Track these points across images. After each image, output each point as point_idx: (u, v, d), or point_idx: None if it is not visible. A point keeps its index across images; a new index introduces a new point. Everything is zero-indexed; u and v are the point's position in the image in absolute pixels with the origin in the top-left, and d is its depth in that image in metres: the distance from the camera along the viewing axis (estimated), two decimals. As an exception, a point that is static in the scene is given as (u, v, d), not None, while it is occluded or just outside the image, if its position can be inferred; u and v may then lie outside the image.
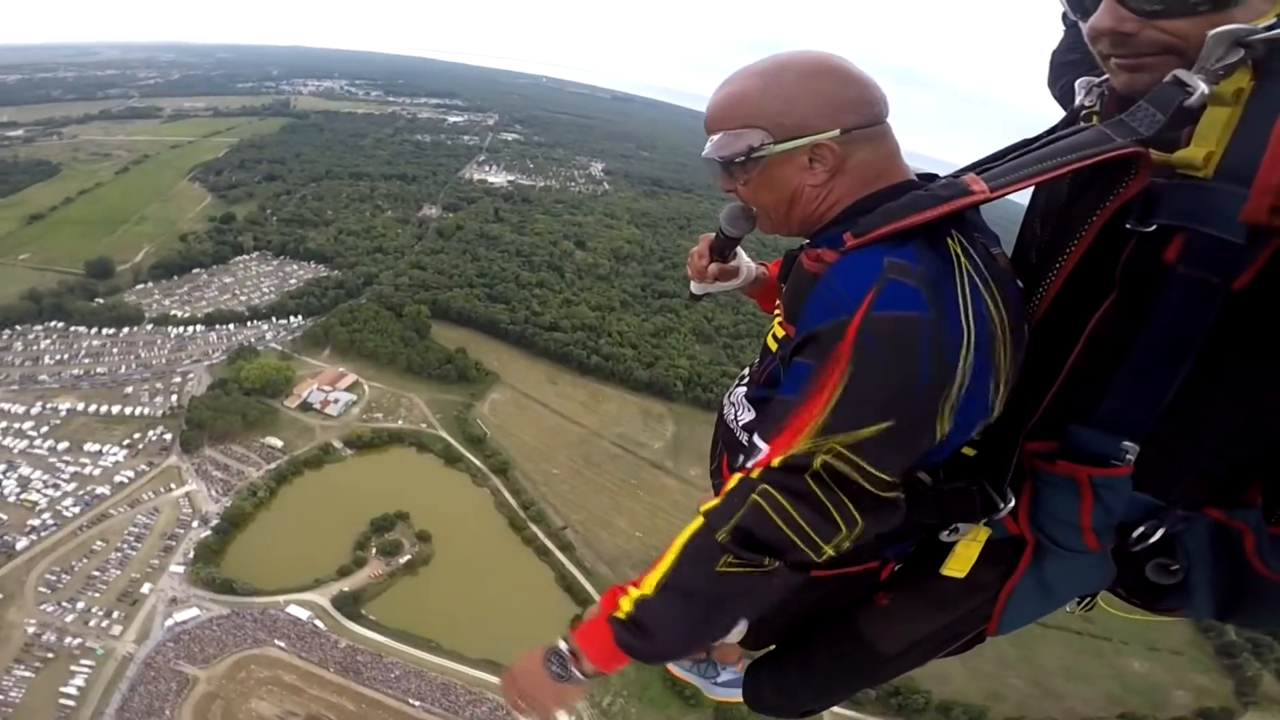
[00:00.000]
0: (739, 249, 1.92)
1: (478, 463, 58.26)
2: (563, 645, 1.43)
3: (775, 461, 1.21)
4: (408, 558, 48.00)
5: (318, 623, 43.08)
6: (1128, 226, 1.13)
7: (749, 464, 1.26)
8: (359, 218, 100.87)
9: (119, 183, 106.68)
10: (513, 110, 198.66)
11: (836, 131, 1.31)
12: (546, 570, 48.26)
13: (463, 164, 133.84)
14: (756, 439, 1.28)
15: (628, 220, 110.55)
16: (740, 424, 1.61)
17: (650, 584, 1.33)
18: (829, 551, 1.21)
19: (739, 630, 1.62)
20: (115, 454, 56.20)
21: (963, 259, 1.17)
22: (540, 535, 50.95)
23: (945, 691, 39.34)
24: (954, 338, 1.11)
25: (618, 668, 1.40)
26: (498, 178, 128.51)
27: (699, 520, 1.29)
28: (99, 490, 52.22)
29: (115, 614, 42.89)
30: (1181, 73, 1.05)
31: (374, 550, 48.22)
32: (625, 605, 1.35)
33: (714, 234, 1.85)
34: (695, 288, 2.05)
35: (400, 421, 62.73)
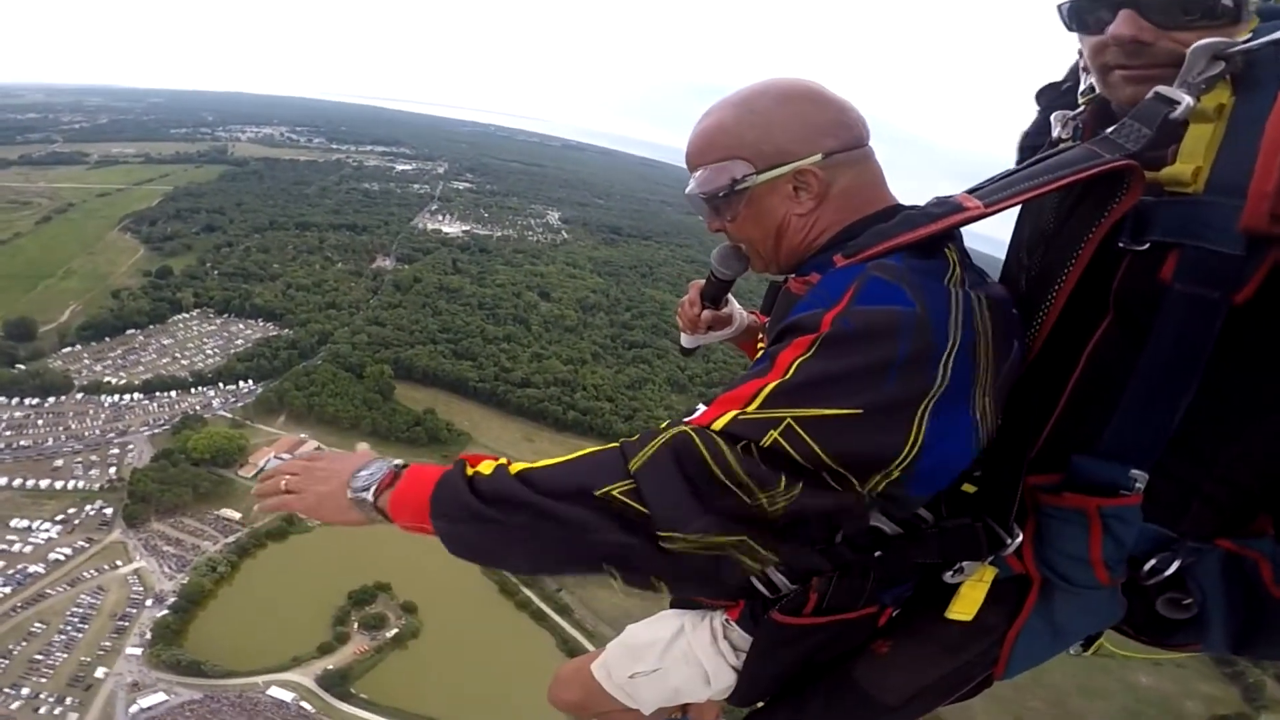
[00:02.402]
0: (730, 295, 1.99)
1: (459, 528, 59.16)
2: (396, 463, 1.37)
3: (716, 424, 1.14)
4: (395, 631, 48.52)
5: (305, 704, 43.08)
6: (1120, 246, 1.18)
7: (684, 420, 1.20)
8: (308, 271, 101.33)
9: (40, 233, 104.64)
10: (462, 158, 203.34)
11: (819, 156, 1.37)
12: (546, 635, 49.46)
13: (414, 213, 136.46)
14: (700, 405, 1.25)
15: (590, 269, 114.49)
16: None
17: (521, 467, 1.25)
18: (681, 537, 1.12)
19: (724, 686, 1.67)
20: (47, 530, 55.12)
21: (958, 268, 1.22)
22: (535, 599, 52.23)
23: (967, 720, 42.08)
24: (938, 336, 1.11)
25: (407, 525, 1.30)
26: (452, 227, 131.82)
27: (614, 445, 1.23)
28: (32, 568, 51.10)
29: (69, 700, 42.14)
30: (1164, 88, 1.13)
31: (356, 624, 48.64)
32: (485, 468, 1.26)
33: (704, 280, 1.93)
34: (686, 340, 2.08)
35: (370, 488, 63.36)
